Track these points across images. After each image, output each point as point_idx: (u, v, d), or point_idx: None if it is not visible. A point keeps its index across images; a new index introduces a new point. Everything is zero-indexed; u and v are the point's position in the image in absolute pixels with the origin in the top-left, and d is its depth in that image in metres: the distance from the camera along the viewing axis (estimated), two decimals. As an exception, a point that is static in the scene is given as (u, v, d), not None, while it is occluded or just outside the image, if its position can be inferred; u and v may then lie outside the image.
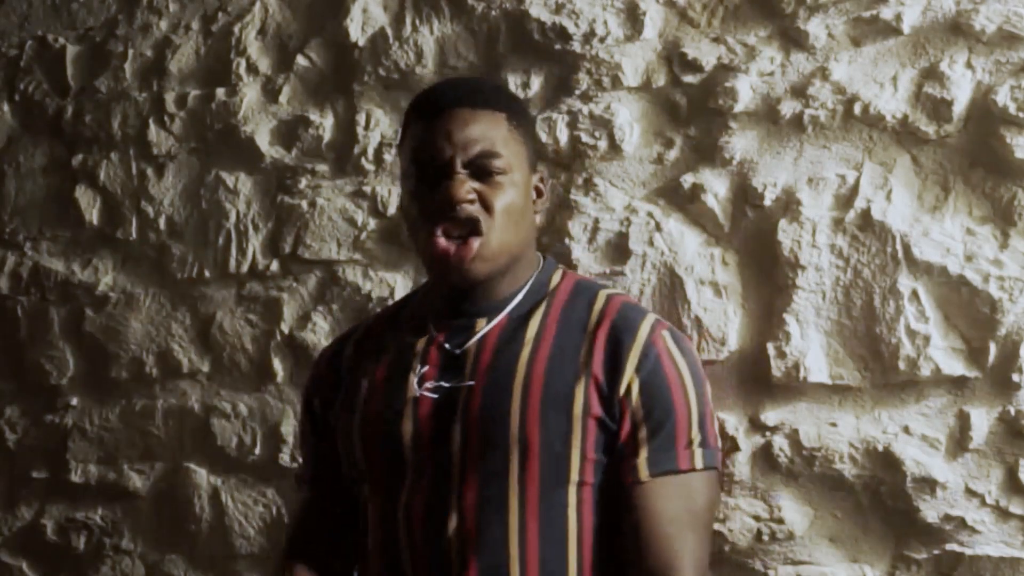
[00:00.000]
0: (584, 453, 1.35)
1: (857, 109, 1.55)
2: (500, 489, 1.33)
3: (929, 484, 1.48)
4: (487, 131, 1.38)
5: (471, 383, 1.37)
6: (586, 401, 1.35)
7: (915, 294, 1.50)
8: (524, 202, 1.42)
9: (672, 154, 1.68)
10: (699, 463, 1.38)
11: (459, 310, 1.43)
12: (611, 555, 1.37)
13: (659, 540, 1.33)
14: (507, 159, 1.38)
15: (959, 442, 1.47)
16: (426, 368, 1.40)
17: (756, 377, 1.58)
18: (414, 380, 1.40)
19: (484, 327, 1.41)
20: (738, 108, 1.62)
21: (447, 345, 1.41)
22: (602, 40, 1.72)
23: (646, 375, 1.37)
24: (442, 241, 1.35)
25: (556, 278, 1.47)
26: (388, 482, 1.40)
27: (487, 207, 1.36)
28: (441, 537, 1.33)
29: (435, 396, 1.38)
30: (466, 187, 1.35)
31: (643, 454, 1.35)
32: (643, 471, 1.34)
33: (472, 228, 1.35)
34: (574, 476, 1.35)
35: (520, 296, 1.43)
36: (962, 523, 1.47)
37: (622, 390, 1.36)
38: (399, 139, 1.49)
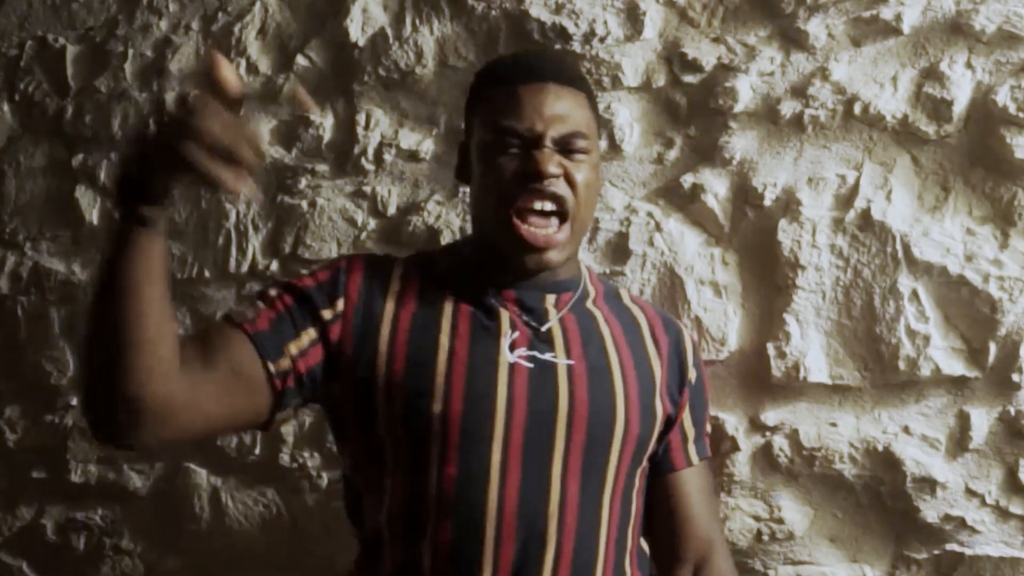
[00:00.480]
0: (653, 441, 1.41)
1: (857, 109, 1.55)
2: (600, 472, 1.34)
3: (929, 484, 1.48)
4: (575, 110, 1.37)
5: (572, 362, 1.35)
6: (662, 391, 1.41)
7: (915, 294, 1.50)
8: (598, 185, 1.43)
9: (672, 154, 1.68)
10: (709, 451, 1.51)
11: (523, 283, 1.39)
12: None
13: (703, 515, 1.46)
14: (590, 141, 1.37)
15: (959, 442, 1.47)
16: (516, 335, 1.35)
17: (756, 377, 1.58)
18: (505, 345, 1.34)
19: (555, 305, 1.39)
20: (738, 108, 1.62)
21: (526, 317, 1.37)
22: (602, 40, 1.71)
23: (697, 369, 1.48)
24: (526, 227, 1.32)
25: (584, 270, 1.48)
26: (469, 446, 1.30)
27: (571, 185, 1.35)
28: (540, 513, 1.30)
29: (531, 366, 1.33)
30: (555, 160, 1.33)
31: (691, 440, 1.47)
32: (694, 456, 1.46)
33: (559, 205, 1.34)
34: (643, 462, 1.41)
35: (583, 284, 1.44)
36: (962, 523, 1.47)
37: (687, 383, 1.46)
38: (473, 101, 1.43)
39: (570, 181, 1.34)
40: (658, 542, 1.46)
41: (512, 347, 1.34)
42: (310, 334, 1.32)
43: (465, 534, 1.28)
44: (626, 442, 1.35)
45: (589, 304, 1.43)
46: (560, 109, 1.35)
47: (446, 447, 1.30)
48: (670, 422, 1.43)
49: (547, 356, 1.34)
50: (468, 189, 1.43)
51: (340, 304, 1.34)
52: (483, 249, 1.40)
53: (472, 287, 1.38)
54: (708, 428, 1.51)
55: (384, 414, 1.32)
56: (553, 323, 1.38)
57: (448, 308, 1.36)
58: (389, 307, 1.36)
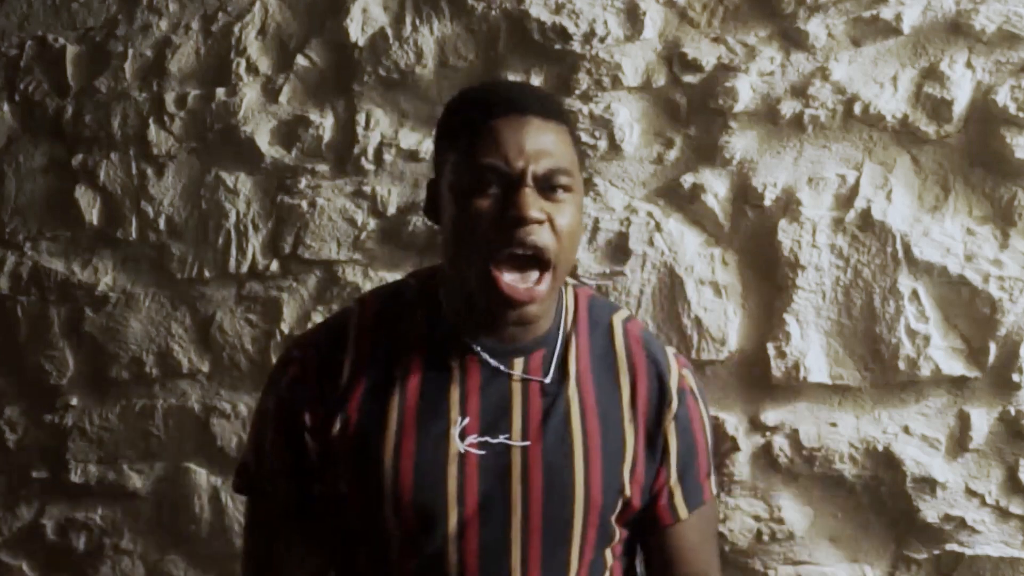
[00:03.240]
0: (629, 506, 1.32)
1: (857, 109, 1.55)
2: (563, 552, 1.28)
3: (929, 484, 1.48)
4: (559, 145, 1.26)
5: (527, 443, 1.27)
6: (635, 452, 1.32)
7: (915, 294, 1.50)
8: (581, 228, 1.31)
9: (672, 154, 1.68)
10: (714, 490, 1.40)
11: (496, 347, 1.31)
12: None
13: (698, 560, 1.37)
14: (574, 178, 1.26)
15: (959, 442, 1.47)
16: (467, 421, 1.28)
17: (756, 377, 1.58)
18: (455, 433, 1.27)
19: (523, 370, 1.31)
20: (738, 108, 1.62)
21: (485, 387, 1.30)
22: (602, 40, 1.72)
23: (677, 416, 1.35)
24: (507, 280, 1.22)
25: (570, 300, 1.38)
26: (424, 543, 1.27)
27: (555, 229, 1.23)
28: None
29: (482, 453, 1.27)
30: (538, 205, 1.22)
31: (679, 494, 1.35)
32: (682, 511, 1.35)
33: (539, 255, 1.23)
34: (616, 534, 1.33)
35: (560, 334, 1.34)
36: (962, 523, 1.47)
37: (666, 435, 1.34)
38: (444, 137, 1.34)
39: (553, 227, 1.23)
40: None
41: (463, 434, 1.28)
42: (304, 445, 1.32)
43: None
44: (589, 518, 1.28)
45: (570, 351, 1.33)
46: (543, 144, 1.24)
47: (403, 542, 1.28)
48: (648, 477, 1.33)
49: (500, 439, 1.28)
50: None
51: (319, 408, 1.32)
52: (456, 296, 1.32)
53: (432, 352, 1.31)
54: (706, 467, 1.38)
55: (349, 506, 1.31)
56: (515, 392, 1.30)
57: (397, 391, 1.30)
58: (345, 378, 1.31)
